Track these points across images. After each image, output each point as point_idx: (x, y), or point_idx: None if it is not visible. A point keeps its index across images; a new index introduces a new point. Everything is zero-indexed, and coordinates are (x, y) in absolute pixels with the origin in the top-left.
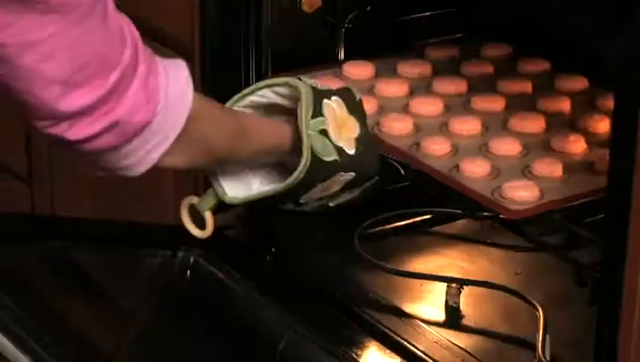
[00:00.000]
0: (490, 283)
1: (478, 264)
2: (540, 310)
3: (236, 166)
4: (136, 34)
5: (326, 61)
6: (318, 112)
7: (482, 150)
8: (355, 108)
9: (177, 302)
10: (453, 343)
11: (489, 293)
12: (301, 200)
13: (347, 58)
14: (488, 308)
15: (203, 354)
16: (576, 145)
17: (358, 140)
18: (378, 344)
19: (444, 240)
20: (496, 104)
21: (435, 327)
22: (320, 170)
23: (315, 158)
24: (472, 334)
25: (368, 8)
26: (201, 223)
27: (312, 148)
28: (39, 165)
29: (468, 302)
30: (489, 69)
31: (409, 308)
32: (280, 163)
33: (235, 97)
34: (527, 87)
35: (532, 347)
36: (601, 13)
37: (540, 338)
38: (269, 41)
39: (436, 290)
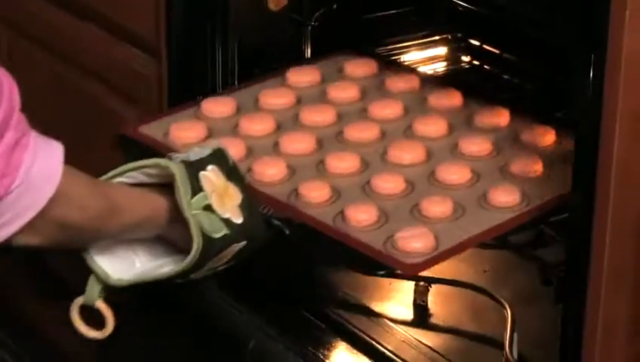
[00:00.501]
0: (458, 282)
1: (447, 262)
2: (508, 308)
3: (111, 242)
4: (17, 99)
5: (293, 59)
6: (197, 189)
7: (366, 190)
8: (231, 172)
9: (147, 305)
10: (421, 342)
11: (457, 291)
12: (191, 276)
13: (314, 56)
14: (457, 306)
15: (172, 355)
16: (463, 175)
17: (242, 206)
18: (346, 344)
19: None
20: (371, 133)
21: (403, 326)
22: (212, 248)
23: (206, 238)
24: (440, 333)
25: (335, 6)
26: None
27: (200, 229)
28: None
29: (436, 300)
30: (356, 92)
31: (377, 307)
32: (160, 236)
33: (103, 177)
34: (398, 109)
35: (500, 345)
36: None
37: (508, 337)
38: (235, 38)
39: (404, 289)
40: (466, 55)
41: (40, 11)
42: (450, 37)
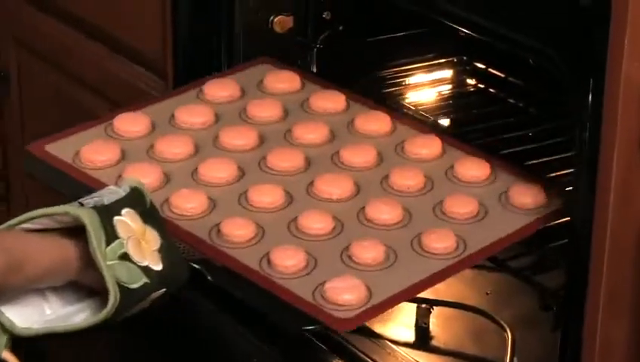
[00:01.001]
0: (460, 304)
1: (450, 283)
2: (509, 331)
3: (15, 292)
4: None
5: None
6: (111, 236)
7: (292, 229)
8: (149, 214)
9: (140, 322)
10: None
11: (459, 314)
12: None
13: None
14: (458, 329)
15: None
16: (394, 214)
17: (161, 251)
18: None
19: None
20: (296, 161)
21: (404, 348)
22: (130, 299)
23: (123, 289)
24: (441, 355)
25: (340, 28)
26: None
27: (117, 281)
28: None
29: (438, 322)
30: (278, 111)
31: (379, 328)
32: (73, 282)
33: (5, 225)
34: (323, 133)
35: None
36: None
37: (508, 360)
38: (241, 60)
39: (406, 310)
40: (472, 78)
41: (49, 30)
42: (455, 60)
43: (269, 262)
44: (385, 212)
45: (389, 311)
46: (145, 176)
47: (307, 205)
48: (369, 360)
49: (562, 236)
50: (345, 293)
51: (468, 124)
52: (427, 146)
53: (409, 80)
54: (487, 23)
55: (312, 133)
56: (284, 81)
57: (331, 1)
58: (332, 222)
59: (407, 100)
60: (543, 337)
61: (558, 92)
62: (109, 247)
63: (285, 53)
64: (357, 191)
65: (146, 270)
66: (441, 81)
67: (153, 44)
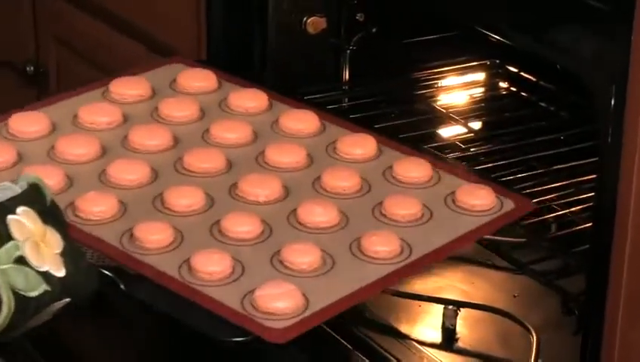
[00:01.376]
0: (486, 306)
1: (477, 285)
2: (534, 334)
3: None
4: None
5: (331, 82)
6: (5, 237)
7: (214, 232)
8: (49, 213)
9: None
10: None
11: (486, 316)
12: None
13: (352, 80)
14: (485, 331)
15: None
16: (330, 216)
17: (64, 255)
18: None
19: (443, 261)
20: (217, 162)
21: (430, 349)
22: (27, 308)
23: (19, 297)
24: (466, 357)
25: (374, 30)
26: None
27: (11, 287)
28: None
29: (465, 323)
30: (194, 109)
31: (406, 328)
32: None
33: None
34: (246, 132)
35: None
36: None
37: None
38: (274, 61)
39: (433, 312)
40: (504, 81)
41: (87, 28)
42: (488, 63)
43: (189, 268)
44: (319, 214)
45: (416, 312)
46: (45, 178)
47: (231, 208)
48: (394, 359)
49: (585, 241)
50: (278, 301)
51: (499, 127)
52: (361, 146)
53: (441, 82)
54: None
55: (232, 133)
56: (199, 79)
57: (365, 3)
58: (260, 225)
59: (438, 102)
60: (567, 341)
61: (587, 96)
62: (3, 249)
63: (317, 55)
64: (286, 194)
65: (47, 276)
66: (473, 84)
67: (188, 43)
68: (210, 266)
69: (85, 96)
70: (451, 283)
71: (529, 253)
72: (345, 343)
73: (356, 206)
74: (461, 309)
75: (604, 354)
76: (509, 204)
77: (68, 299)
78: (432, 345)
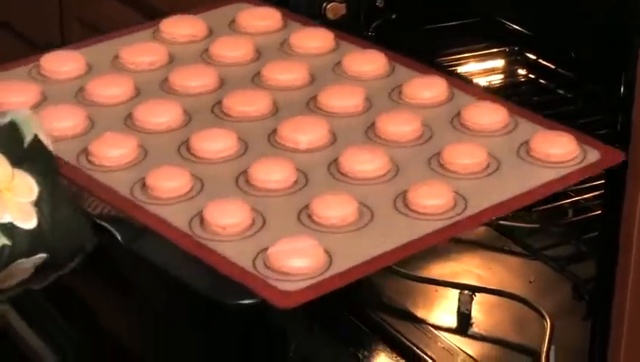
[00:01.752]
0: (501, 291)
1: (494, 271)
2: (548, 319)
3: None
4: None
5: None
6: None
7: (240, 182)
8: (27, 157)
9: None
10: (462, 350)
11: (501, 301)
12: None
13: None
14: (500, 316)
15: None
16: (376, 162)
17: (39, 204)
18: (387, 347)
19: (460, 247)
20: (260, 104)
21: (445, 333)
22: None
23: None
24: (481, 341)
25: (393, 17)
26: None
27: None
28: None
29: (481, 309)
30: (248, 50)
31: (422, 313)
32: None
33: None
34: (301, 72)
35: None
36: None
37: (545, 348)
38: None
39: (450, 296)
40: (523, 68)
41: (112, 12)
42: (507, 50)
43: (201, 221)
44: (363, 161)
45: (433, 296)
46: (62, 120)
47: (265, 154)
48: (409, 343)
49: (593, 229)
50: (293, 258)
51: None
52: (429, 88)
53: (460, 69)
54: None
55: (285, 74)
56: (261, 18)
57: None
58: (294, 174)
59: None
60: (579, 326)
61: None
62: None
63: None
64: (332, 141)
65: (7, 228)
66: (492, 71)
67: None
68: (225, 219)
69: (132, 36)
70: (468, 268)
71: (542, 239)
72: (362, 326)
73: (412, 155)
74: (476, 294)
75: (612, 338)
76: (593, 155)
77: (44, 255)
78: (448, 330)
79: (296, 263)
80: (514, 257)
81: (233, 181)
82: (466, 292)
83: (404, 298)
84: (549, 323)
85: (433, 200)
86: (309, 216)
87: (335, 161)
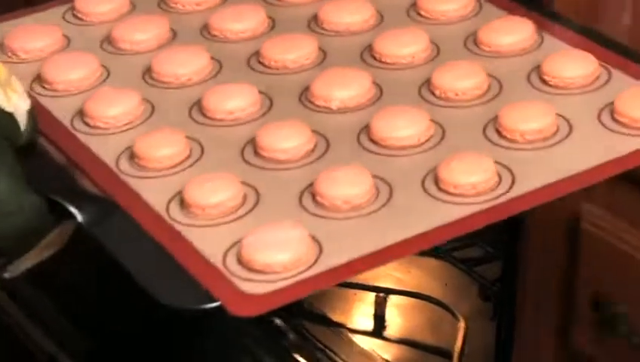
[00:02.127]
0: (415, 293)
1: (413, 274)
2: (462, 321)
3: None
4: None
5: None
6: None
7: (246, 150)
8: None
9: None
10: (376, 353)
11: (418, 303)
12: None
13: None
14: (417, 318)
15: None
16: (413, 126)
17: None
18: (301, 352)
19: None
20: (301, 51)
21: (361, 337)
22: None
23: None
24: (397, 344)
25: None
26: None
27: None
28: None
29: (398, 311)
30: None
31: (339, 317)
32: None
33: None
34: (366, 14)
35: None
36: None
37: (458, 349)
38: None
39: (368, 300)
40: None
41: None
42: None
43: (181, 199)
44: (398, 127)
45: (352, 300)
46: (71, 70)
47: (289, 115)
48: (323, 347)
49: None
50: (268, 251)
51: None
52: (510, 33)
53: None
54: None
55: (346, 15)
56: None
57: None
58: (310, 140)
59: None
60: (489, 326)
61: None
62: None
63: None
64: (376, 98)
65: None
66: None
67: None
68: (205, 198)
69: None
70: (387, 271)
71: (451, 241)
72: (278, 330)
73: (464, 117)
74: (390, 297)
75: (516, 339)
76: None
77: None
78: (364, 333)
79: (270, 258)
80: (432, 259)
81: (239, 150)
82: (381, 294)
83: (324, 303)
84: (462, 324)
85: (467, 177)
86: (313, 196)
87: (368, 126)
